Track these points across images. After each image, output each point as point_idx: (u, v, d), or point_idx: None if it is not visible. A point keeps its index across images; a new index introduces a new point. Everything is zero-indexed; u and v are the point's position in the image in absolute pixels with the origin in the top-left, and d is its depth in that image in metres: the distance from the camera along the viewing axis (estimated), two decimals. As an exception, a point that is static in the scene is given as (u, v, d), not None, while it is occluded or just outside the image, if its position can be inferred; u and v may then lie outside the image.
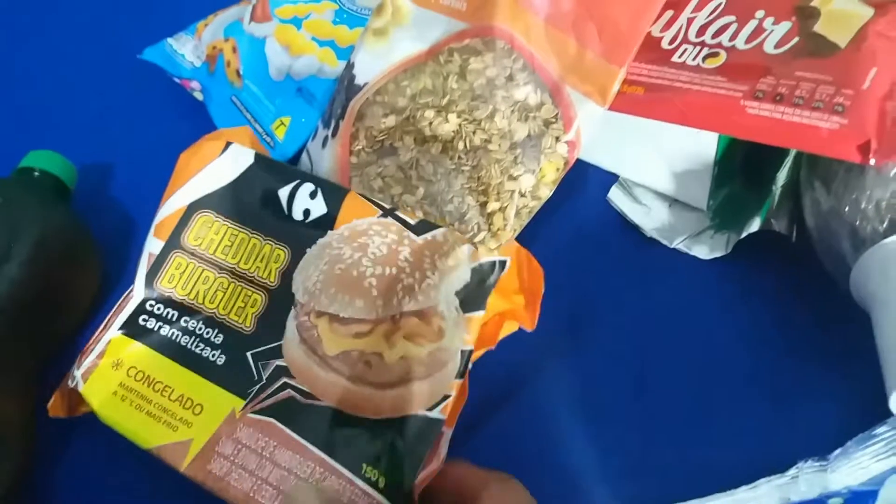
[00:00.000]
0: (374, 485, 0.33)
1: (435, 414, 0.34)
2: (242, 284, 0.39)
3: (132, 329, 0.39)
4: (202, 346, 0.38)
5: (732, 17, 0.38)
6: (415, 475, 0.33)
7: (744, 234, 0.40)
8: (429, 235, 0.37)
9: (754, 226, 0.39)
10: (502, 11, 0.41)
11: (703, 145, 0.41)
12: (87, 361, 0.39)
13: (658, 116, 0.38)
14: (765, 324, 0.41)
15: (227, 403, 0.37)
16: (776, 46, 0.36)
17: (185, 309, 0.39)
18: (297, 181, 0.40)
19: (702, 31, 0.38)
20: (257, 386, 0.37)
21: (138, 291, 0.40)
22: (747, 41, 0.37)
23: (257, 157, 0.41)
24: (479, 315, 0.35)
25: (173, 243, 0.40)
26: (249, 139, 0.44)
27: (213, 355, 0.38)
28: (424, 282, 0.36)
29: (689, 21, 0.39)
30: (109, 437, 0.37)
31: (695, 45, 0.38)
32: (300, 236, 0.39)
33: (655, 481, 0.37)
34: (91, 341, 0.40)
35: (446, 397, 0.34)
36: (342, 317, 0.37)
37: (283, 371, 0.37)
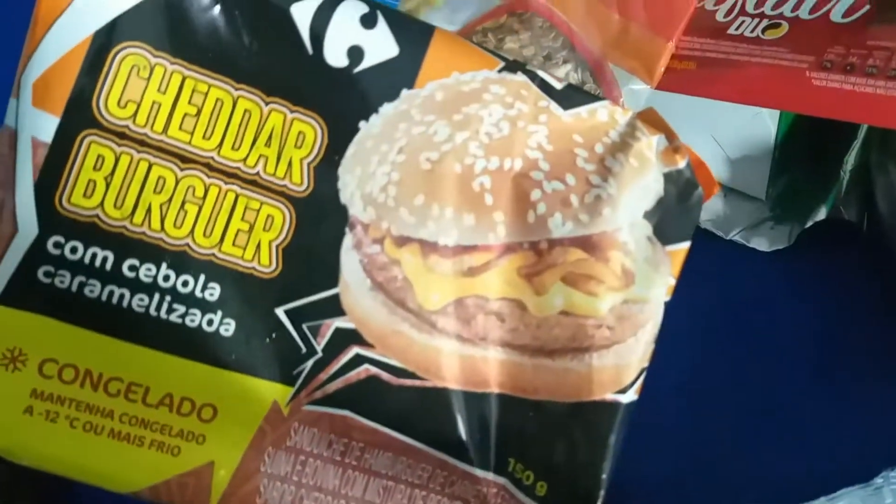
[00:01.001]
0: (529, 491, 0.23)
1: (628, 397, 0.23)
2: (236, 188, 0.21)
3: (26, 294, 0.20)
4: (180, 308, 0.21)
5: (796, -14, 0.35)
6: (598, 483, 0.23)
7: (809, 224, 0.36)
8: (583, 111, 0.22)
9: (820, 214, 0.35)
10: (539, -15, 0.32)
11: (761, 128, 0.37)
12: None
13: (712, 94, 0.35)
14: (834, 320, 0.37)
15: (261, 394, 0.22)
16: (844, 15, 0.34)
17: (127, 245, 0.21)
18: (329, -10, 0.21)
19: (761, 2, 0.36)
20: (310, 361, 0.22)
21: (24, 222, 0.20)
22: (812, 11, 0.35)
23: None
24: (684, 248, 0.23)
25: (79, 116, 0.20)
26: None
27: (210, 322, 0.21)
28: (590, 191, 0.22)
29: (748, -8, 0.36)
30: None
31: (753, 16, 0.36)
32: (345, 97, 0.21)
33: (720, 492, 0.33)
34: None
35: (643, 372, 0.23)
36: (443, 244, 0.22)
37: (349, 336, 0.23)
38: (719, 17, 0.38)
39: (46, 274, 0.20)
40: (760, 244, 0.37)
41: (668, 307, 0.27)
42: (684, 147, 0.23)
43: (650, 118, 0.23)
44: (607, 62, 0.36)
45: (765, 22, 0.36)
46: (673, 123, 0.37)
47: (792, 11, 0.36)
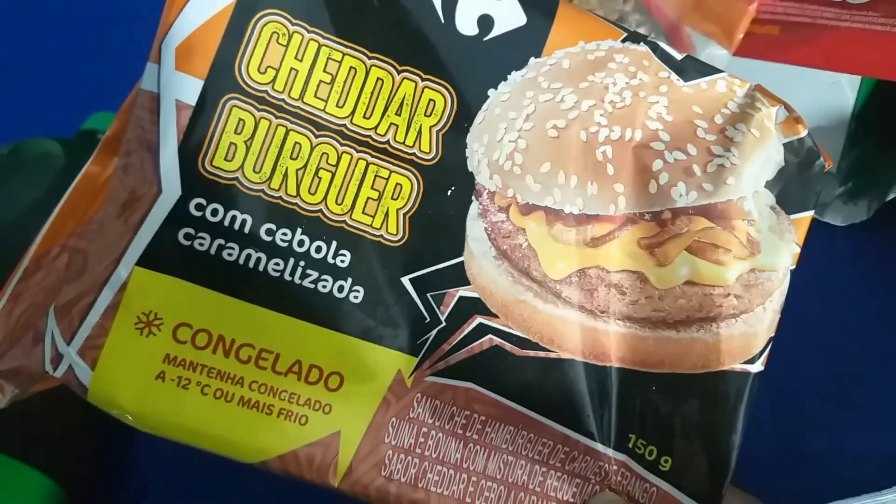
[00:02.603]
0: (653, 466, 0.23)
1: (756, 367, 0.23)
2: (367, 157, 0.22)
3: (166, 256, 0.21)
4: (314, 273, 0.22)
5: (886, -52, 0.34)
6: (728, 456, 0.23)
7: (890, 197, 0.35)
8: (702, 82, 0.23)
9: None
10: (610, -52, 0.34)
11: (838, 98, 0.36)
12: (84, 326, 0.20)
13: (796, 60, 0.34)
14: None
15: (386, 364, 0.22)
16: None
17: (264, 209, 0.21)
18: (463, -40, 0.22)
19: None
20: (434, 331, 0.22)
21: (168, 183, 0.20)
22: None
23: None
24: (807, 216, 0.23)
25: (222, 80, 0.21)
26: None
27: (340, 288, 0.22)
28: (712, 161, 0.22)
29: (834, -46, 0.36)
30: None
31: None
32: (475, 65, 0.22)
33: (785, 479, 0.33)
34: (48, 291, 0.21)
35: (771, 341, 0.23)
36: (568, 212, 0.23)
37: (473, 305, 0.23)
38: None
39: (187, 236, 0.21)
40: (835, 219, 0.36)
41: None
42: (803, 119, 0.23)
43: (765, 92, 0.24)
44: (684, 26, 0.35)
45: None
46: None
47: None
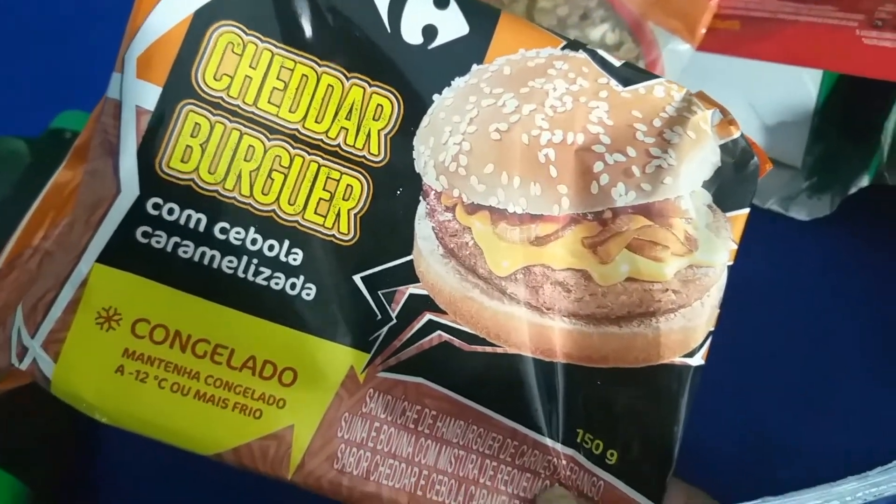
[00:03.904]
0: (599, 460, 0.24)
1: (696, 360, 0.24)
2: (319, 159, 0.23)
3: (124, 253, 0.22)
4: (266, 271, 0.23)
5: (840, -55, 0.35)
6: (671, 447, 0.24)
7: (852, 191, 0.35)
8: (640, 87, 0.24)
9: (863, 181, 0.35)
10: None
11: (801, 93, 0.37)
12: (48, 320, 0.21)
13: (757, 54, 0.35)
14: (879, 288, 0.37)
15: (339, 360, 0.23)
16: None
17: (219, 209, 0.23)
18: (407, -25, 0.23)
19: None
20: (385, 328, 0.23)
21: (127, 184, 0.22)
22: None
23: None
24: (743, 214, 0.25)
25: (180, 87, 0.22)
26: None
27: (293, 286, 0.23)
28: (651, 162, 0.24)
29: (792, -50, 0.37)
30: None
31: None
32: (419, 72, 0.24)
33: (768, 464, 0.33)
34: (20, 290, 0.22)
35: (710, 335, 0.24)
36: (511, 212, 0.24)
37: (422, 302, 0.24)
38: None
39: (144, 234, 0.22)
40: (800, 213, 0.37)
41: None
42: (737, 121, 0.25)
43: (702, 97, 0.25)
44: (647, 21, 0.36)
45: None
46: (710, 90, 0.38)
47: None
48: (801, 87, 0.38)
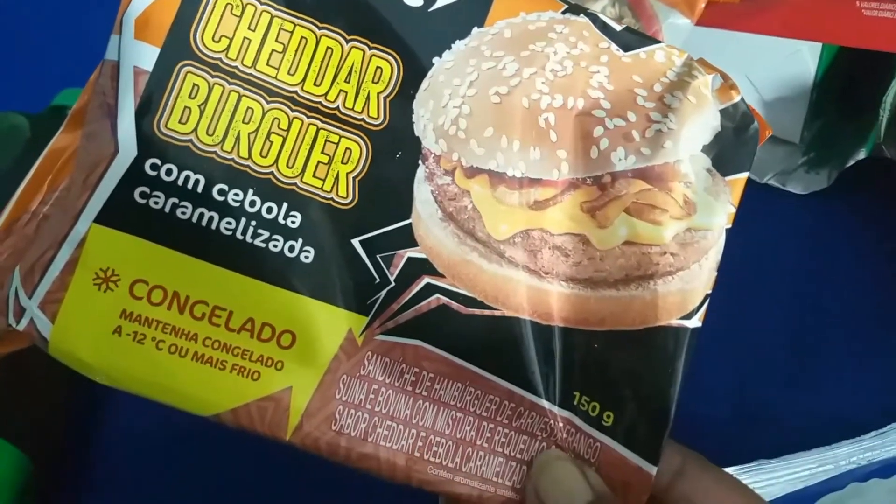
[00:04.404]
0: (595, 422, 0.24)
1: (693, 322, 0.24)
2: (318, 122, 0.23)
3: (122, 213, 0.22)
4: (265, 233, 0.23)
5: (838, -81, 0.36)
6: (667, 409, 0.24)
7: (849, 164, 0.36)
8: (641, 52, 0.24)
9: (860, 154, 0.36)
10: (576, -86, 0.36)
11: (800, 67, 0.37)
12: (45, 280, 0.21)
13: (756, 28, 0.36)
14: (874, 261, 0.37)
15: (337, 323, 0.23)
16: None
17: (217, 170, 0.22)
18: (407, -66, 0.23)
19: None
20: (383, 291, 0.23)
21: (125, 144, 0.22)
22: None
23: None
24: (742, 177, 0.24)
25: (178, 48, 0.22)
26: None
27: (291, 248, 0.23)
28: (651, 127, 0.24)
29: (793, -78, 0.35)
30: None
31: None
32: (419, 34, 0.23)
33: (762, 430, 0.34)
34: (18, 254, 0.22)
35: (707, 298, 0.24)
36: (510, 175, 0.24)
37: (420, 266, 0.24)
38: None
39: (142, 195, 0.22)
40: (796, 187, 0.37)
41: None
42: (738, 86, 0.25)
43: (703, 63, 0.25)
44: None
45: None
46: None
47: None
48: (800, 61, 0.38)
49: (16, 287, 0.22)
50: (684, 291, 0.24)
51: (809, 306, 0.37)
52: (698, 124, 0.25)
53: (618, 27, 0.25)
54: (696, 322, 0.24)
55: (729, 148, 0.25)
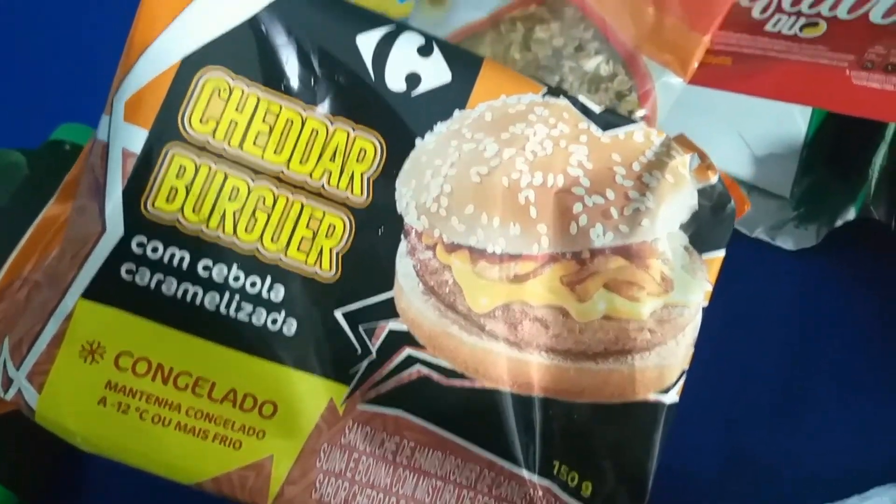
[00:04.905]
0: (574, 492, 0.24)
1: (670, 398, 0.24)
2: (303, 199, 0.24)
3: (109, 289, 0.23)
4: (248, 306, 0.23)
5: (832, -14, 0.37)
6: (644, 481, 0.24)
7: (838, 224, 0.36)
8: (619, 132, 0.25)
9: (850, 214, 0.36)
10: (573, -25, 0.37)
11: (790, 126, 0.38)
12: (33, 353, 0.22)
13: (748, 90, 0.36)
14: (862, 320, 0.37)
15: (318, 392, 0.24)
16: (884, 16, 0.34)
17: (202, 247, 0.23)
18: (390, 27, 0.24)
19: (797, 0, 0.36)
20: (365, 361, 0.24)
21: (112, 223, 0.22)
22: (850, 11, 0.35)
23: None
24: (719, 256, 0.25)
25: (165, 130, 0.23)
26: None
27: (274, 321, 0.23)
28: (629, 205, 0.24)
29: (783, -10, 0.38)
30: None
31: (790, 14, 0.36)
32: (403, 117, 0.24)
33: (749, 488, 0.33)
34: (9, 320, 0.23)
35: (684, 373, 0.25)
36: (491, 251, 0.24)
37: (402, 338, 0.24)
38: (755, 13, 0.38)
39: (128, 271, 0.23)
40: (786, 243, 0.37)
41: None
42: (715, 166, 0.25)
43: (682, 142, 0.25)
44: (641, 55, 0.37)
45: (802, 20, 0.36)
46: (700, 119, 0.38)
47: (830, 11, 0.36)
48: (791, 119, 0.38)
49: (4, 358, 0.23)
50: (662, 367, 0.25)
51: (796, 363, 0.37)
52: (676, 203, 0.25)
53: (597, 109, 0.25)
54: (673, 397, 0.25)
55: (706, 226, 0.25)
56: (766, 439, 0.35)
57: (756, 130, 0.39)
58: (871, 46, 0.33)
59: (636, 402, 0.24)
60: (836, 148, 0.40)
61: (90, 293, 0.23)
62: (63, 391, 0.22)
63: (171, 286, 0.23)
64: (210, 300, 0.23)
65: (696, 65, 0.36)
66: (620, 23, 0.37)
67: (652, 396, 0.24)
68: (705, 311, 0.26)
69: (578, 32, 0.38)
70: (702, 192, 0.25)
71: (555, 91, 0.25)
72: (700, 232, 0.25)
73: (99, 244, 0.22)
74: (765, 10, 0.37)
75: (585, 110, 0.25)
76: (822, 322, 0.38)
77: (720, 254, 0.25)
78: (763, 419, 0.36)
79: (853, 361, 0.37)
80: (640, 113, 0.36)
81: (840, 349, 0.37)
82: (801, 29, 0.36)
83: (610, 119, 0.25)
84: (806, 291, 0.38)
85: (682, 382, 0.25)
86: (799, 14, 0.36)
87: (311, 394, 0.24)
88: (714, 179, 0.25)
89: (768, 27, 0.36)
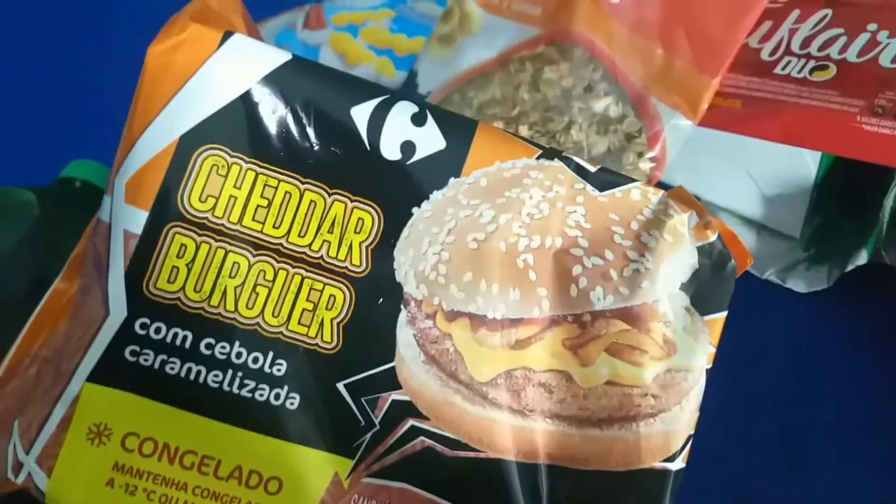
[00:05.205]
0: (585, 560, 0.24)
1: (676, 465, 0.24)
2: (302, 271, 0.24)
3: (114, 372, 0.23)
4: (251, 383, 0.23)
5: (841, 30, 0.36)
6: None
7: (850, 268, 0.36)
8: (617, 191, 0.25)
9: (861, 258, 0.36)
10: (582, 16, 0.38)
11: (800, 167, 0.38)
12: (41, 437, 0.22)
13: (758, 133, 0.35)
14: (871, 365, 0.37)
15: (323, 467, 0.24)
16: (893, 61, 0.34)
17: (204, 325, 0.23)
18: (385, 97, 0.24)
19: (806, 42, 0.36)
20: (368, 434, 0.24)
21: (115, 306, 0.23)
22: (860, 55, 0.35)
23: (295, 59, 0.24)
24: (721, 317, 0.25)
25: (165, 211, 0.23)
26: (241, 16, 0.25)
27: (277, 396, 0.23)
28: (628, 266, 0.24)
29: (792, 32, 0.37)
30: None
31: (799, 57, 0.36)
32: (399, 186, 0.24)
33: None
34: (19, 399, 0.23)
35: (690, 439, 0.24)
36: (491, 318, 0.24)
37: (405, 408, 0.24)
38: (764, 55, 0.37)
39: (132, 353, 0.23)
40: (797, 285, 0.37)
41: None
42: (714, 222, 0.25)
43: (680, 195, 0.25)
44: (650, 96, 0.36)
45: (812, 63, 0.36)
46: (709, 158, 0.39)
47: (839, 54, 0.36)
48: (801, 161, 0.38)
49: (14, 442, 0.23)
50: (667, 433, 0.24)
51: (801, 406, 0.36)
52: (675, 262, 0.25)
53: (592, 168, 0.25)
54: (679, 464, 0.24)
55: (707, 286, 0.25)
56: (766, 481, 0.35)
57: (766, 170, 0.39)
58: (881, 92, 0.33)
59: (642, 469, 0.24)
60: (846, 188, 0.40)
61: (95, 376, 0.23)
62: (72, 474, 0.23)
63: (174, 366, 0.23)
64: (213, 378, 0.23)
65: (705, 107, 0.36)
66: (629, 64, 0.37)
67: (658, 464, 0.24)
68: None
69: (587, 73, 0.38)
70: (701, 251, 0.25)
71: (549, 153, 0.25)
72: (701, 291, 0.25)
73: (103, 328, 0.23)
74: (774, 52, 0.37)
75: (581, 171, 0.25)
76: (827, 364, 0.37)
77: (722, 315, 0.25)
78: (764, 461, 0.35)
79: (854, 405, 0.36)
80: (649, 154, 0.36)
81: (843, 392, 0.36)
82: (810, 72, 0.35)
83: (606, 178, 0.25)
84: (815, 333, 0.38)
85: (688, 448, 0.24)
86: (808, 56, 0.36)
87: (316, 468, 0.24)
88: (713, 237, 0.25)
89: (778, 70, 0.36)
